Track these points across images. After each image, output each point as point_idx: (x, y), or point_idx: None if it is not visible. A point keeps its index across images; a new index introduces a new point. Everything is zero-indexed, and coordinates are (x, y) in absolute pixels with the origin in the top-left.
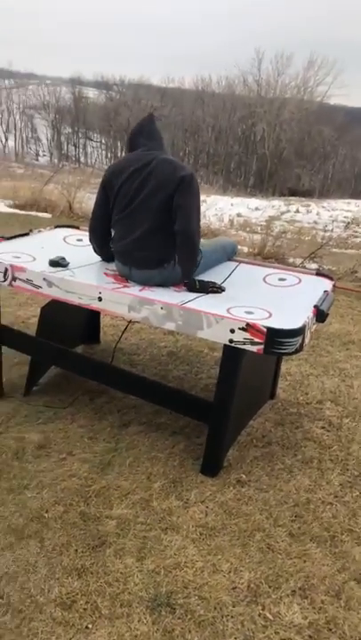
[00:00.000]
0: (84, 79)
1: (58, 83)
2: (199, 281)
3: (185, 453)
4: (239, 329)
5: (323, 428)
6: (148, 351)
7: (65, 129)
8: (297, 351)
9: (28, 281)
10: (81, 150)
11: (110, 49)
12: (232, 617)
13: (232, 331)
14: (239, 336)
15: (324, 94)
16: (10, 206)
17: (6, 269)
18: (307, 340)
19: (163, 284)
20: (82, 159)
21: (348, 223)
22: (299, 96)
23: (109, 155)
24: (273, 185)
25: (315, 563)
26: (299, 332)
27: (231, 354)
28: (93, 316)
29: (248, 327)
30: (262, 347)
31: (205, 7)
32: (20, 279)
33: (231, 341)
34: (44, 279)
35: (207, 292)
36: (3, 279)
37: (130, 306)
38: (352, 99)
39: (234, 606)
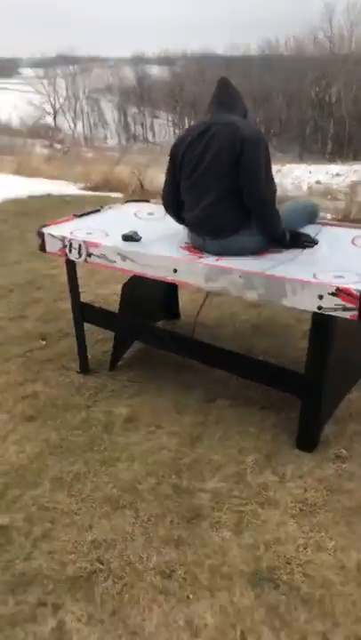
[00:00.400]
0: (146, 57)
1: (121, 63)
2: (291, 234)
3: (277, 428)
4: (329, 294)
5: None
6: (230, 325)
7: (131, 109)
8: None
9: (102, 256)
10: (148, 129)
11: (171, 23)
12: (342, 597)
13: (320, 297)
14: (329, 302)
15: None
16: (82, 189)
17: (80, 246)
18: None
19: (241, 252)
20: (150, 138)
21: None
22: None
23: (177, 131)
24: (354, 149)
25: None
26: None
27: (321, 322)
28: (172, 291)
29: (339, 292)
30: (357, 312)
31: None
32: (94, 255)
33: (320, 308)
34: (118, 254)
35: (301, 247)
36: (78, 256)
37: (207, 276)
38: None
39: (342, 586)
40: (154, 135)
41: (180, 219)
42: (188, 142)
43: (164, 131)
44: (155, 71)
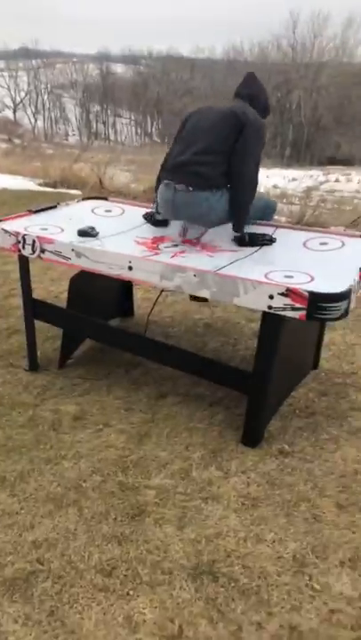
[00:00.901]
0: (111, 55)
1: (85, 60)
2: (249, 234)
3: (224, 424)
4: (279, 294)
5: None
6: (183, 323)
7: (93, 107)
8: (342, 316)
9: (56, 252)
10: (110, 128)
11: (137, 22)
12: (277, 586)
13: (271, 296)
14: (279, 302)
15: None
16: (40, 185)
17: (34, 241)
18: (352, 305)
19: (206, 215)
20: (111, 136)
21: None
22: (337, 58)
23: (139, 131)
24: (311, 154)
25: None
26: (344, 295)
27: (271, 321)
28: (126, 288)
29: (288, 292)
30: (305, 312)
31: None
32: (48, 251)
33: (270, 307)
34: (73, 250)
35: (259, 245)
36: (31, 251)
37: (162, 274)
38: None
39: (279, 576)
40: (116, 134)
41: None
42: (198, 109)
43: (127, 129)
44: (119, 69)
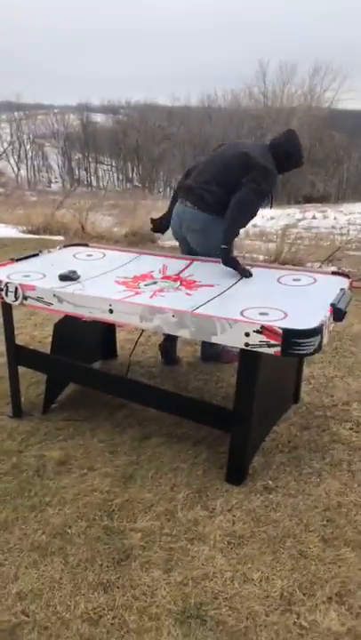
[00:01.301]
0: (90, 105)
1: (66, 110)
2: (234, 259)
3: (208, 463)
4: (254, 332)
5: (351, 429)
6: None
7: (75, 155)
8: (316, 351)
9: (39, 299)
10: (92, 174)
11: (114, 76)
12: (265, 627)
13: (247, 334)
14: (255, 339)
15: (332, 100)
16: (23, 232)
17: (16, 288)
18: (325, 340)
19: (202, 232)
20: (93, 183)
21: None
22: (306, 104)
23: (120, 176)
24: (287, 193)
25: (350, 567)
26: (316, 331)
27: (248, 358)
28: (109, 330)
29: (263, 329)
30: (280, 348)
31: (204, 23)
32: (30, 297)
33: (247, 345)
34: (55, 295)
35: (240, 273)
36: (14, 299)
37: (141, 315)
38: None
39: (267, 615)
40: (98, 179)
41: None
42: (231, 142)
43: (108, 175)
44: (99, 119)
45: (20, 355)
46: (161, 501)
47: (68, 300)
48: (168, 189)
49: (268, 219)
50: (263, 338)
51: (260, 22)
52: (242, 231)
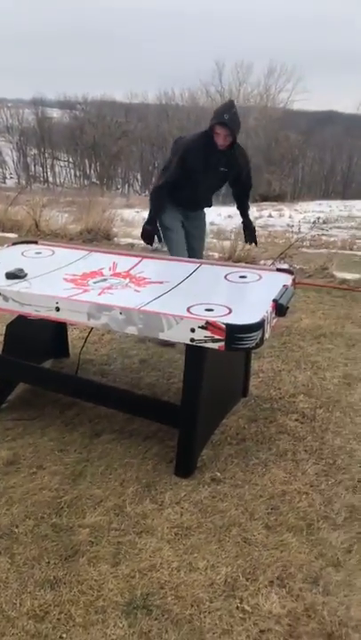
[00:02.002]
0: (46, 100)
1: (20, 105)
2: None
3: (158, 457)
4: (199, 327)
5: (296, 420)
6: (118, 360)
7: (31, 150)
8: (258, 345)
9: None
10: (49, 170)
11: (70, 68)
12: (210, 613)
13: (192, 330)
14: (200, 334)
15: (286, 101)
16: None
17: None
18: (267, 335)
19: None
20: (50, 179)
21: (314, 222)
22: (262, 104)
23: (78, 173)
24: None
25: (292, 552)
26: (257, 326)
27: (193, 353)
28: (60, 329)
29: (208, 325)
30: (223, 343)
31: (159, 21)
32: None
33: (193, 340)
34: (0, 294)
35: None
36: None
37: (89, 313)
38: (314, 102)
39: (211, 602)
40: (55, 176)
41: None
42: None
43: (65, 172)
44: (55, 114)
45: None
46: (110, 497)
47: (13, 298)
48: (126, 186)
49: (225, 217)
50: (208, 333)
51: (218, 21)
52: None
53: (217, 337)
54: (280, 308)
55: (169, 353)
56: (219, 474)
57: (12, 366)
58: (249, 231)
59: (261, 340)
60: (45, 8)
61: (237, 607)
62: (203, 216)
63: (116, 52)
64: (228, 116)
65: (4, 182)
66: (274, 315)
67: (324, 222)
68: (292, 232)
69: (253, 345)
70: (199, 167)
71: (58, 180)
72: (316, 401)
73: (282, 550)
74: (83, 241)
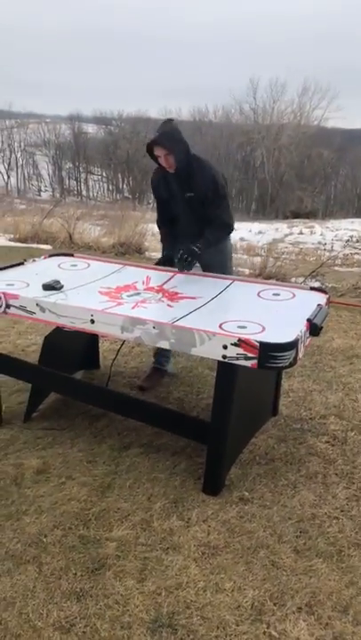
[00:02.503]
0: (82, 116)
1: (57, 120)
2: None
3: (186, 473)
4: (232, 344)
5: (327, 442)
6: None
7: (66, 164)
8: (291, 365)
9: (21, 307)
10: (82, 184)
11: (107, 86)
12: (236, 636)
13: (225, 347)
14: (232, 351)
15: (320, 118)
16: (11, 240)
17: (0, 297)
18: (300, 354)
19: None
20: (84, 192)
21: (348, 241)
22: (296, 121)
23: (111, 187)
24: (275, 209)
25: (321, 578)
26: (291, 345)
27: (225, 370)
28: (92, 341)
29: (241, 342)
30: (256, 361)
31: (195, 38)
32: (13, 306)
33: (225, 357)
34: (37, 304)
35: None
36: None
37: (122, 326)
38: (349, 121)
39: (238, 625)
40: (88, 190)
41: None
42: None
43: (98, 186)
44: (90, 129)
45: (2, 363)
46: (137, 511)
47: (50, 309)
48: None
49: (256, 232)
50: (241, 350)
51: (255, 40)
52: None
53: (250, 355)
54: (314, 328)
55: (198, 368)
56: (247, 493)
57: (48, 377)
58: (183, 259)
59: (295, 359)
60: (85, 28)
61: (264, 632)
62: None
63: (152, 68)
64: (159, 132)
65: (40, 195)
66: (308, 334)
67: (358, 241)
68: (324, 249)
69: (287, 364)
70: (165, 197)
71: (91, 194)
72: (348, 423)
73: (311, 576)
74: (115, 254)
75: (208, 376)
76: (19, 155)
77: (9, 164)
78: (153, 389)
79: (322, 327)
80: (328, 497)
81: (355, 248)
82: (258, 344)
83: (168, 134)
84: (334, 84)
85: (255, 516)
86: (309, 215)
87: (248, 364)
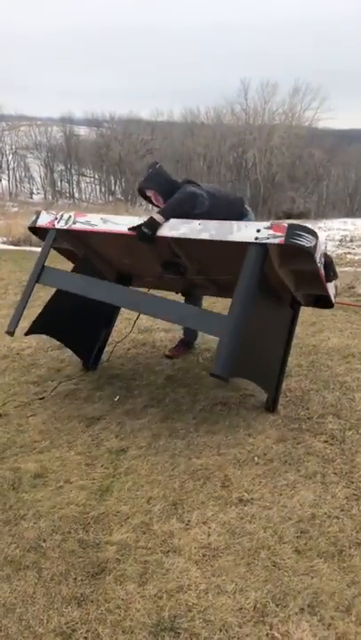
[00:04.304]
0: (74, 118)
1: (49, 123)
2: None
3: (185, 475)
4: (264, 228)
5: (325, 441)
6: (144, 376)
7: (58, 166)
8: (311, 251)
9: (86, 222)
10: (75, 186)
11: (98, 88)
12: (238, 638)
13: (258, 230)
14: (264, 233)
15: (311, 119)
16: (4, 242)
17: (70, 217)
18: (318, 255)
19: None
20: (76, 194)
21: (341, 240)
22: (287, 122)
23: (103, 189)
24: (268, 209)
25: (323, 578)
26: (315, 233)
27: (255, 251)
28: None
29: (272, 225)
30: (283, 238)
31: (188, 39)
32: (79, 222)
33: (257, 238)
34: (101, 218)
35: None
36: (64, 224)
37: (171, 226)
38: (339, 121)
39: (240, 627)
40: (80, 192)
41: None
42: None
43: (91, 188)
44: (82, 132)
45: (43, 273)
46: (137, 514)
47: (111, 220)
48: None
49: None
50: (271, 231)
51: (246, 41)
52: None
53: (278, 234)
54: (328, 262)
55: (195, 369)
56: (246, 494)
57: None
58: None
59: (315, 247)
60: (76, 30)
61: (267, 634)
62: None
63: (143, 70)
64: (145, 177)
65: (32, 197)
66: (322, 260)
67: (351, 240)
68: None
69: (309, 246)
70: None
71: (83, 196)
72: (346, 422)
73: (313, 576)
74: None
75: (205, 377)
76: (10, 157)
77: (0, 167)
78: (149, 392)
79: (333, 274)
80: (328, 496)
81: (347, 247)
82: (286, 225)
83: (154, 177)
84: (325, 85)
85: (255, 517)
86: (302, 215)
87: (276, 241)
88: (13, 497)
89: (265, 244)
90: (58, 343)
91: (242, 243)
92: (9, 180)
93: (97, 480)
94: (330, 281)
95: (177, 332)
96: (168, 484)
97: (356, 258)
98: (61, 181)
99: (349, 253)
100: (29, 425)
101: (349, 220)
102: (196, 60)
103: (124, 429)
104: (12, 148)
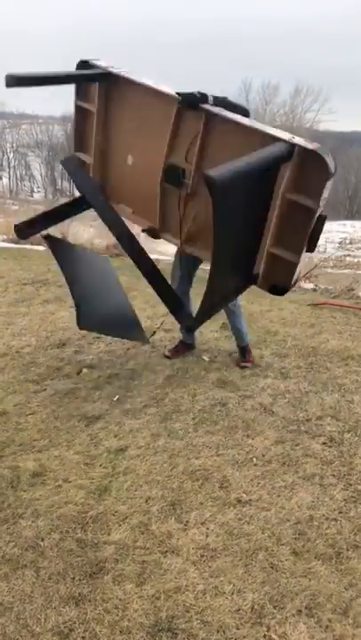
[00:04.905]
0: None
1: (50, 121)
2: None
3: (184, 475)
4: (299, 137)
5: (324, 443)
6: (144, 376)
7: (58, 165)
8: (330, 175)
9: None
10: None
11: None
12: (236, 639)
13: (293, 137)
14: (298, 140)
15: (312, 120)
16: (4, 240)
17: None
18: (326, 192)
19: None
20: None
21: (340, 243)
22: (288, 123)
23: None
24: None
25: (320, 580)
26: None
27: (279, 151)
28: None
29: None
30: (316, 146)
31: (189, 37)
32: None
33: (292, 138)
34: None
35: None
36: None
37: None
38: (340, 123)
39: (238, 629)
40: None
41: None
42: None
43: None
44: None
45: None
46: (135, 514)
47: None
48: None
49: None
50: (304, 142)
51: (247, 41)
52: None
53: (311, 145)
54: (323, 217)
55: (194, 369)
56: (245, 495)
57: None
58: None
59: (332, 175)
60: (76, 27)
61: (265, 636)
62: None
63: (145, 68)
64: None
65: (32, 196)
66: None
67: (350, 243)
68: (317, 252)
69: (331, 168)
70: None
71: None
72: (344, 424)
73: (310, 578)
74: (110, 255)
75: (204, 377)
76: (11, 156)
77: (1, 165)
78: (148, 391)
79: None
80: (326, 498)
81: (346, 250)
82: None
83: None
84: (326, 87)
85: (253, 518)
86: None
87: (310, 146)
88: (12, 495)
89: (295, 145)
90: (57, 342)
91: (276, 137)
92: (9, 179)
93: (95, 479)
94: (309, 249)
95: (177, 333)
96: (167, 484)
97: (356, 260)
98: (62, 180)
99: (349, 256)
100: (28, 423)
101: (349, 223)
102: (197, 60)
103: (123, 429)
104: (12, 147)
